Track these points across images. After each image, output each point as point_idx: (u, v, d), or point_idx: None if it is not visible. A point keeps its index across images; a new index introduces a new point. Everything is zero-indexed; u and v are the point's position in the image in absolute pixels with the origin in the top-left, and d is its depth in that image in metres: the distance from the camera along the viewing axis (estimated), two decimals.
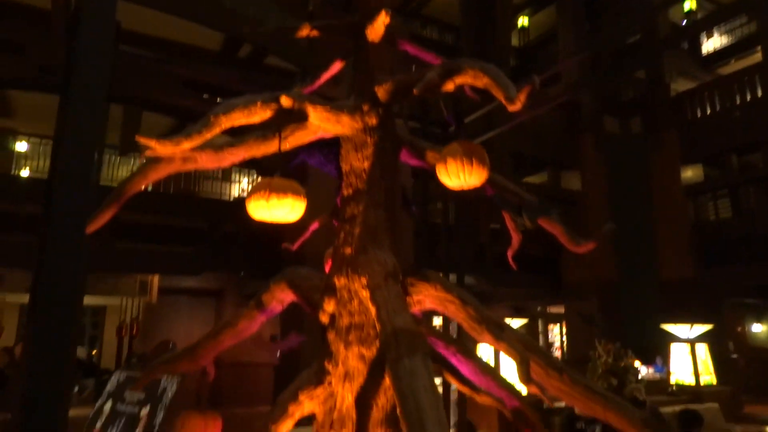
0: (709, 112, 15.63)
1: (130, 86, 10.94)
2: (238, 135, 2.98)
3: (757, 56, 15.96)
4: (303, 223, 3.38)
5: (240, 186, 15.35)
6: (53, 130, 5.77)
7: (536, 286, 15.72)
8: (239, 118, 2.61)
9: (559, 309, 17.58)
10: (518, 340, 2.54)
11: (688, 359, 11.49)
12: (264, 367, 10.58)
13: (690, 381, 11.33)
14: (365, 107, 2.94)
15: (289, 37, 3.56)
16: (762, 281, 13.71)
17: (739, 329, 16.90)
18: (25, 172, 13.29)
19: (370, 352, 2.62)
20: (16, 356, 10.52)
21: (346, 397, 2.59)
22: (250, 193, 2.64)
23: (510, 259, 3.26)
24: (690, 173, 16.43)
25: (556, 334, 18.88)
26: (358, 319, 2.69)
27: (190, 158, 2.81)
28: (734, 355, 15.70)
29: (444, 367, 2.66)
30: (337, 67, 3.37)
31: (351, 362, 2.63)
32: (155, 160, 2.80)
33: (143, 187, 2.86)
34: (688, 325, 11.65)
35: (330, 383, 2.67)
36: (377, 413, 2.55)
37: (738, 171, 15.99)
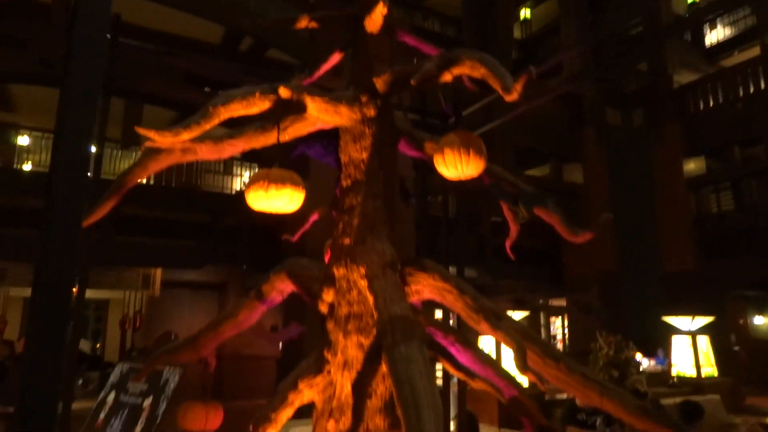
0: (711, 104, 15.57)
1: (132, 80, 10.96)
2: (237, 126, 3.00)
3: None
4: (305, 215, 3.40)
5: (242, 179, 15.37)
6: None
7: (538, 279, 15.75)
8: (238, 109, 2.62)
9: (560, 302, 17.60)
10: (515, 329, 2.56)
11: (690, 351, 11.50)
12: (266, 360, 10.63)
13: (691, 373, 11.35)
14: (363, 98, 2.94)
15: (288, 28, 3.57)
16: (764, 273, 13.69)
17: (741, 321, 16.91)
18: (27, 166, 13.32)
19: (368, 341, 2.64)
20: (16, 349, 10.60)
21: (345, 385, 2.61)
22: (248, 184, 2.65)
23: (508, 250, 3.27)
24: (692, 166, 16.40)
25: (558, 326, 18.90)
26: (356, 309, 2.71)
27: (190, 149, 2.82)
28: (736, 348, 15.72)
29: (440, 353, 2.68)
30: (336, 58, 3.37)
31: (350, 351, 2.66)
32: (155, 151, 2.82)
33: (145, 181, 2.89)
34: (689, 318, 11.65)
35: (329, 372, 2.69)
36: (376, 401, 2.57)
37: (740, 164, 15.94)
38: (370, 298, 2.56)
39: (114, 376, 6.00)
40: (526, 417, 2.76)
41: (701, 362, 11.39)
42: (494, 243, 13.83)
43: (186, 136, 2.55)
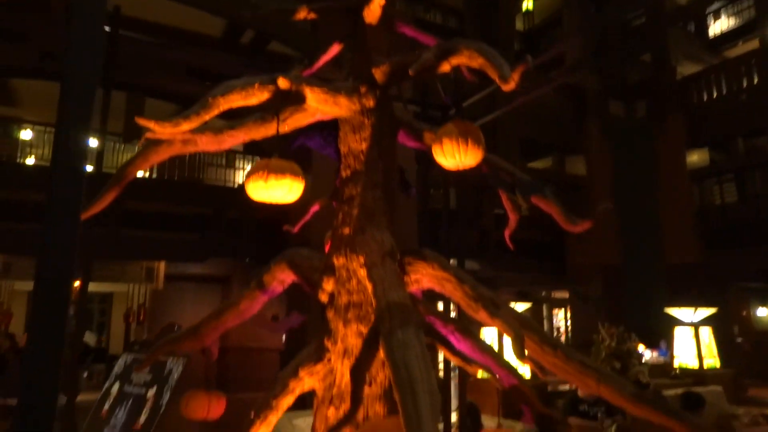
0: (715, 95, 15.51)
1: (133, 73, 10.97)
2: (237, 118, 3.01)
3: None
4: (308, 206, 3.42)
5: (244, 173, 15.40)
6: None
7: (541, 271, 15.77)
8: (237, 100, 2.63)
9: (563, 294, 17.63)
10: (514, 318, 2.58)
11: (692, 343, 11.50)
12: (269, 352, 10.67)
13: (694, 364, 11.36)
14: (363, 89, 2.95)
15: (288, 20, 3.57)
16: (767, 265, 13.68)
17: (744, 313, 16.90)
18: (30, 161, 13.37)
19: (368, 330, 2.66)
20: (17, 341, 10.69)
21: (345, 373, 2.64)
22: (248, 175, 2.66)
23: (507, 240, 3.28)
24: (695, 157, 16.35)
25: (560, 318, 18.94)
26: (356, 298, 2.74)
27: (190, 141, 2.84)
28: (739, 339, 15.73)
29: (437, 340, 2.71)
30: (335, 49, 3.38)
31: (350, 339, 2.68)
32: (156, 143, 2.83)
33: (148, 175, 2.90)
34: (692, 309, 11.64)
35: (329, 360, 2.72)
36: (375, 388, 2.60)
37: (744, 155, 15.88)
38: (369, 287, 2.58)
39: (118, 367, 6.07)
40: (525, 405, 2.79)
41: (704, 354, 11.39)
42: (496, 235, 13.85)
43: (186, 126, 2.57)
